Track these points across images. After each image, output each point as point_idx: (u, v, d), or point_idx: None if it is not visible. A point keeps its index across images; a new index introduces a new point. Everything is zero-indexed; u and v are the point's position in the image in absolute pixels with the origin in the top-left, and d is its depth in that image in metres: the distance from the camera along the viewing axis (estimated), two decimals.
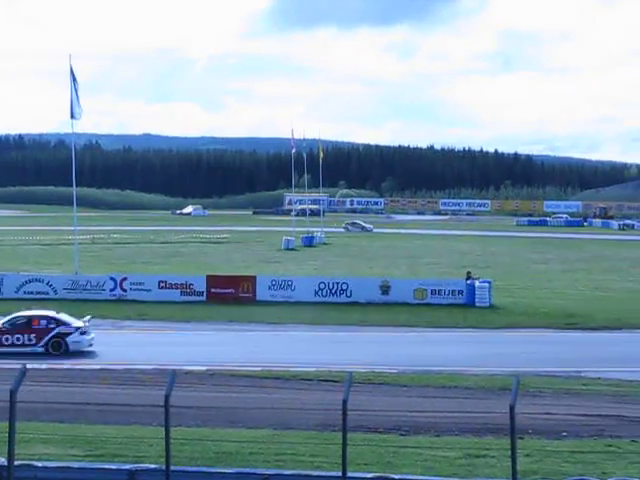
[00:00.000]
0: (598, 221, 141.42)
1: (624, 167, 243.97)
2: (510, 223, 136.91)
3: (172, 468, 14.46)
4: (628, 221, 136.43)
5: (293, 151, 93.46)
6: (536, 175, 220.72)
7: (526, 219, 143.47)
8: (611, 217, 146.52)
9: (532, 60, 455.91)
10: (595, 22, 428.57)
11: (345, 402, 13.93)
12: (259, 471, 15.65)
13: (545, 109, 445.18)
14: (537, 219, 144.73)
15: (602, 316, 40.63)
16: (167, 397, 13.92)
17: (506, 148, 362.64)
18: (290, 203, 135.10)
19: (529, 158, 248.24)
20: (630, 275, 61.86)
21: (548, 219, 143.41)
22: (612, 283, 56.27)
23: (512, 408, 13.53)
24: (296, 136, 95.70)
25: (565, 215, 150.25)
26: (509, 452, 13.87)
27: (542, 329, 38.25)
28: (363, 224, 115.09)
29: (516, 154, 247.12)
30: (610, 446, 19.92)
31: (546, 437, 20.69)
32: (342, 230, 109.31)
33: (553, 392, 25.64)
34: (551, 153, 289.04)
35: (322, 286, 45.39)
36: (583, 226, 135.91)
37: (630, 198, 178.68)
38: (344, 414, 13.96)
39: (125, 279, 45.78)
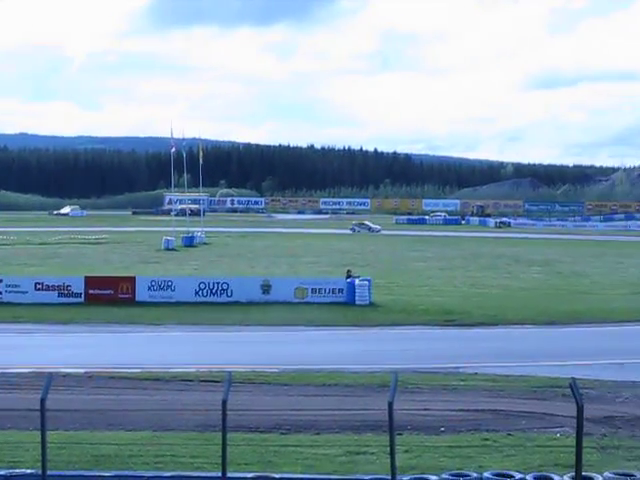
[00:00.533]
0: (475, 219, 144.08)
1: (500, 166, 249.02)
2: (389, 221, 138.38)
3: (48, 472, 14.23)
4: (504, 219, 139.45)
5: (173, 150, 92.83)
6: (415, 174, 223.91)
7: (405, 217, 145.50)
8: (488, 215, 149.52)
9: (411, 60, 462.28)
10: (471, 23, 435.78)
11: (225, 402, 13.88)
12: (138, 473, 15.52)
13: (424, 109, 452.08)
14: (416, 217, 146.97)
15: (479, 312, 41.34)
16: (43, 401, 13.68)
17: (386, 147, 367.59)
18: (170, 203, 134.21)
19: (408, 157, 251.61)
20: (506, 272, 63.11)
21: (427, 217, 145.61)
22: (489, 280, 57.30)
23: (390, 405, 13.66)
24: (176, 135, 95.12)
25: (443, 213, 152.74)
26: (388, 448, 14.00)
27: (421, 326, 38.73)
28: (370, 225, 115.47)
29: (395, 153, 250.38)
30: (487, 440, 20.26)
31: (425, 433, 20.94)
32: (349, 231, 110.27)
33: (431, 388, 25.93)
34: (430, 152, 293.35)
35: (202, 286, 45.18)
36: (461, 224, 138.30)
37: (506, 196, 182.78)
38: (224, 414, 13.92)
39: (0, 281, 44.85)
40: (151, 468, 16.75)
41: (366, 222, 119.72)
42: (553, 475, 15.37)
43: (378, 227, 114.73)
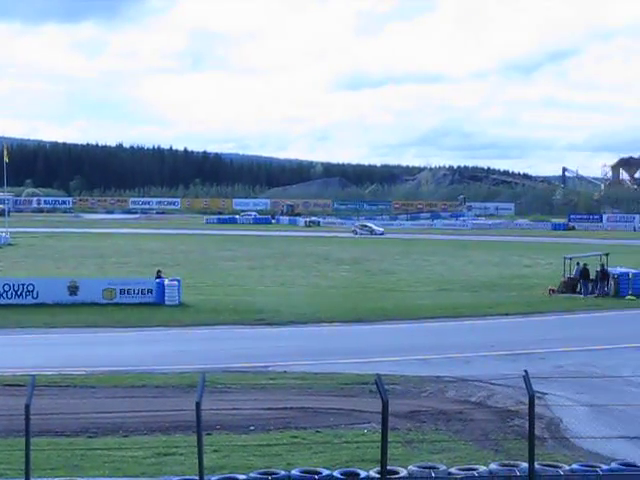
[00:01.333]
0: (285, 218, 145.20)
1: (310, 165, 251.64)
2: (200, 221, 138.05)
3: None
4: (314, 218, 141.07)
5: None
6: (225, 173, 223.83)
7: (215, 217, 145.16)
8: (298, 214, 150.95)
9: (221, 60, 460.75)
10: (281, 24, 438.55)
11: (27, 406, 13.52)
12: None
13: (235, 108, 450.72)
14: (226, 217, 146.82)
15: (289, 311, 41.65)
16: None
17: (196, 146, 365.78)
18: None
19: (218, 156, 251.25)
20: (316, 270, 63.89)
21: (237, 217, 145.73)
22: (299, 279, 57.87)
23: (198, 405, 13.60)
24: None
25: (254, 213, 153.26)
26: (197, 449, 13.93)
27: (231, 325, 38.73)
28: (373, 227, 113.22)
29: (205, 152, 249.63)
30: (295, 437, 20.46)
31: (234, 432, 20.97)
32: (351, 235, 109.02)
33: (241, 388, 25.98)
34: (240, 151, 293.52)
35: (7, 288, 43.87)
36: (271, 223, 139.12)
37: (316, 195, 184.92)
38: (27, 419, 13.54)
39: None
40: None
41: (369, 224, 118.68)
42: (359, 470, 15.61)
43: (381, 229, 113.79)
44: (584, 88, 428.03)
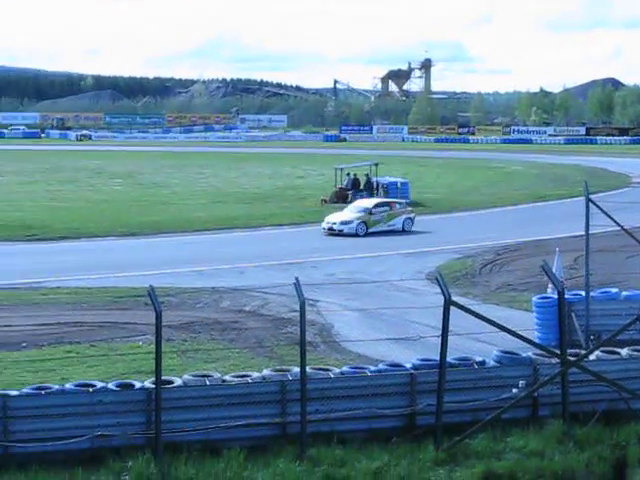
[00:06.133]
0: (56, 132, 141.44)
1: (80, 78, 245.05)
2: None
3: None
4: (85, 131, 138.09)
5: None
6: None
7: None
8: (69, 128, 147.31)
9: None
10: None
11: None
12: None
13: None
14: None
15: (61, 226, 40.93)
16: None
17: None
18: None
19: None
20: (88, 185, 62.87)
21: (5, 131, 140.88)
22: (70, 194, 56.81)
23: None
24: None
25: (22, 127, 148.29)
26: None
27: (1, 242, 37.73)
28: None
29: None
30: (70, 352, 20.35)
31: (6, 349, 20.67)
32: None
33: (13, 304, 25.54)
34: (7, 64, 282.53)
35: None
36: (41, 138, 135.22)
37: (86, 109, 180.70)
38: None
39: None
40: None
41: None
42: (134, 381, 15.70)
43: None
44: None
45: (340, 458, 14.38)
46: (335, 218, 40.27)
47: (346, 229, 39.53)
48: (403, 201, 44.30)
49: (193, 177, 69.55)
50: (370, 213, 40.58)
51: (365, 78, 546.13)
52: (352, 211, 40.90)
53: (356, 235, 39.22)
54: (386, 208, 41.48)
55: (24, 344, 21.16)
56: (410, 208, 43.12)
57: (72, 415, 14.41)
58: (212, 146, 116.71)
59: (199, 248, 36.76)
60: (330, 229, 39.74)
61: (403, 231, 41.07)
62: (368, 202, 42.49)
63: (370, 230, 40.06)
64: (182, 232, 40.59)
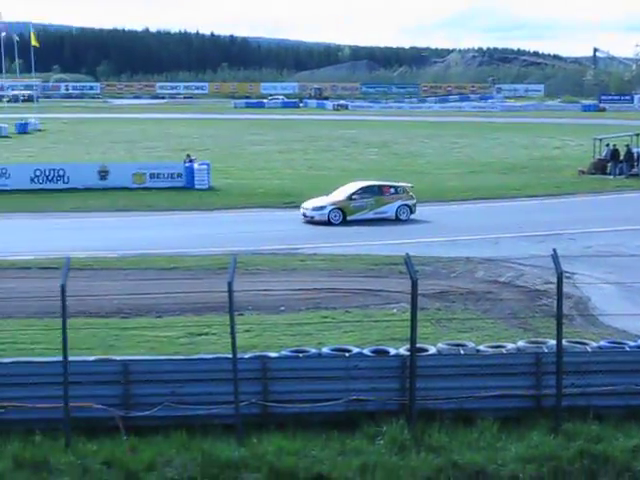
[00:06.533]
0: (313, 102, 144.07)
1: (337, 48, 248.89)
2: (228, 106, 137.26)
3: None
4: (342, 101, 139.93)
5: (3, 35, 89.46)
6: (253, 57, 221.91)
7: (243, 101, 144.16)
8: (326, 98, 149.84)
9: None
10: None
11: (63, 287, 13.77)
12: None
13: None
14: (254, 101, 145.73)
15: (317, 194, 41.60)
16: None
17: (222, 30, 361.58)
18: (2, 89, 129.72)
19: (245, 40, 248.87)
20: (344, 154, 63.70)
21: (265, 101, 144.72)
22: (327, 162, 57.79)
23: (230, 284, 13.80)
24: (5, 19, 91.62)
25: (282, 97, 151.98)
26: (229, 328, 14.15)
27: (260, 209, 38.95)
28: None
29: (232, 36, 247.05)
30: (326, 317, 20.75)
31: (265, 312, 21.28)
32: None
33: (271, 270, 26.25)
34: (267, 35, 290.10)
35: (38, 173, 44.24)
36: (299, 107, 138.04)
37: (343, 79, 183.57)
38: (63, 299, 13.78)
39: None
40: None
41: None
42: (389, 348, 15.85)
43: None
44: None
45: (596, 434, 14.02)
46: (310, 204, 36.10)
47: (317, 215, 35.30)
48: (403, 185, 37.68)
49: (448, 147, 69.32)
50: (350, 199, 35.93)
51: (626, 46, 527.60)
52: (334, 196, 36.52)
53: (329, 223, 34.95)
54: (373, 193, 36.45)
55: (282, 308, 21.75)
56: (411, 194, 37.01)
57: (328, 379, 14.70)
58: (467, 116, 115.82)
59: (453, 218, 36.56)
60: (304, 215, 35.69)
61: (397, 219, 36.02)
62: (353, 186, 37.22)
63: (350, 218, 35.39)
64: (436, 201, 40.48)
